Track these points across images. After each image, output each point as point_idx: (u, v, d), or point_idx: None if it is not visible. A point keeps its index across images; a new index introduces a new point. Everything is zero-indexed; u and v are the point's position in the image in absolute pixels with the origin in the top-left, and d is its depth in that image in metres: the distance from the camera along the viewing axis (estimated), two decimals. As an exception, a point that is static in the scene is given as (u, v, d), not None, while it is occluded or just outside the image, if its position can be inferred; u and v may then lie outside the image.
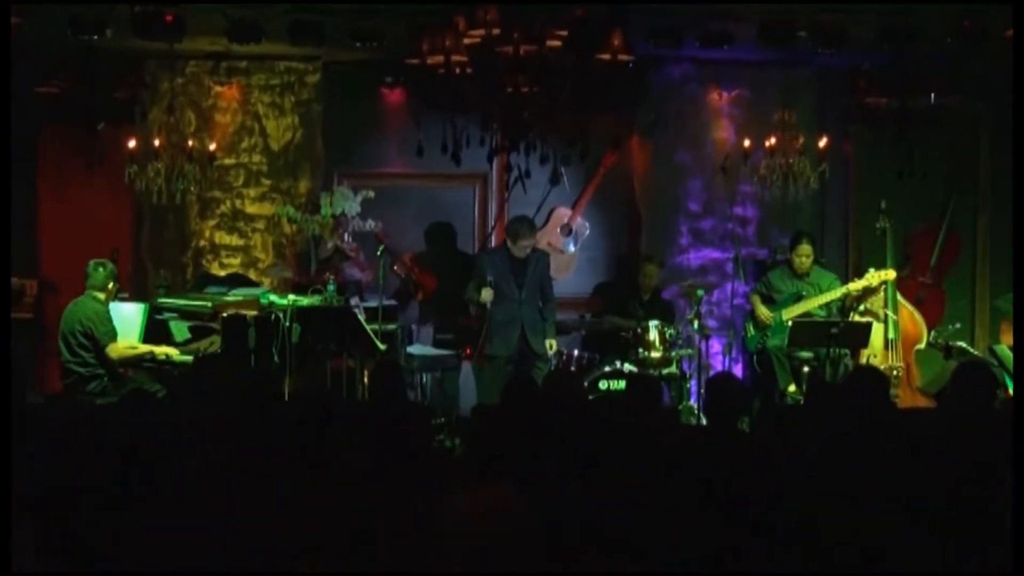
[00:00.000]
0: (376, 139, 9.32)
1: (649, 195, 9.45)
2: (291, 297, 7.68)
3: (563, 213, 9.54)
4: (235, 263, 8.98)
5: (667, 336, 8.39)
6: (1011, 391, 6.78)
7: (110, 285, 7.34)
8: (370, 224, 8.73)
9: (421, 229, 9.41)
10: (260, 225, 9.02)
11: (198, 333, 7.63)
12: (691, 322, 8.38)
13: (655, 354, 8.35)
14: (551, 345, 8.00)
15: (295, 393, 6.87)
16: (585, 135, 9.06)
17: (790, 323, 8.11)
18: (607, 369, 8.23)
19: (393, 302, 8.60)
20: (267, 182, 9.03)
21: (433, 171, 9.18)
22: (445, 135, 9.06)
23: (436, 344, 8.84)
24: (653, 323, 8.40)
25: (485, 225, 9.53)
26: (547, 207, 9.42)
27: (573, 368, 8.29)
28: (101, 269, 7.32)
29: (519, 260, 7.85)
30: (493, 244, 9.24)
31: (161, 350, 7.39)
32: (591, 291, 9.59)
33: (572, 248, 9.56)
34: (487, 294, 7.77)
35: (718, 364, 8.87)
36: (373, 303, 8.06)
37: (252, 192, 9.02)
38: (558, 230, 9.53)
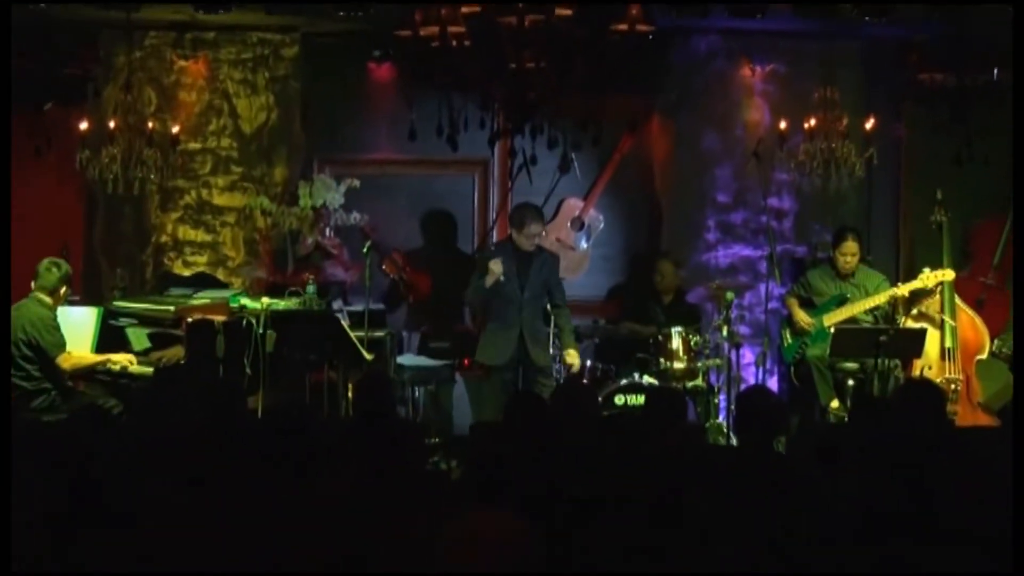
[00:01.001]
0: (362, 121, 9.33)
1: (671, 184, 9.46)
2: (265, 300, 7.68)
3: (574, 205, 9.55)
4: (201, 261, 8.99)
5: (692, 344, 8.39)
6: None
7: (62, 290, 7.30)
8: (355, 217, 8.75)
9: (413, 223, 9.43)
10: (230, 218, 9.03)
11: (159, 341, 7.62)
12: (719, 329, 8.37)
13: (678, 365, 8.35)
14: (572, 356, 7.87)
15: (270, 409, 6.89)
16: (599, 117, 9.05)
17: (832, 330, 8.10)
18: (624, 382, 8.24)
19: (381, 306, 8.60)
20: (238, 169, 9.04)
21: (427, 157, 9.20)
22: (440, 116, 9.07)
23: (429, 353, 8.84)
24: (676, 330, 8.41)
25: (486, 218, 9.55)
26: (556, 198, 9.42)
27: (585, 380, 8.28)
28: (55, 270, 7.27)
29: (525, 256, 7.81)
30: (495, 240, 9.24)
31: (117, 359, 7.39)
32: (605, 293, 9.61)
33: (584, 245, 9.57)
34: (496, 266, 7.63)
35: (750, 376, 8.86)
36: (358, 307, 8.06)
37: (221, 181, 9.03)
38: (568, 224, 9.53)
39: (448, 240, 9.49)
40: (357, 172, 8.93)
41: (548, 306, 8.02)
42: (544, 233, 7.95)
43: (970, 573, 3.49)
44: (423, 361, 8.58)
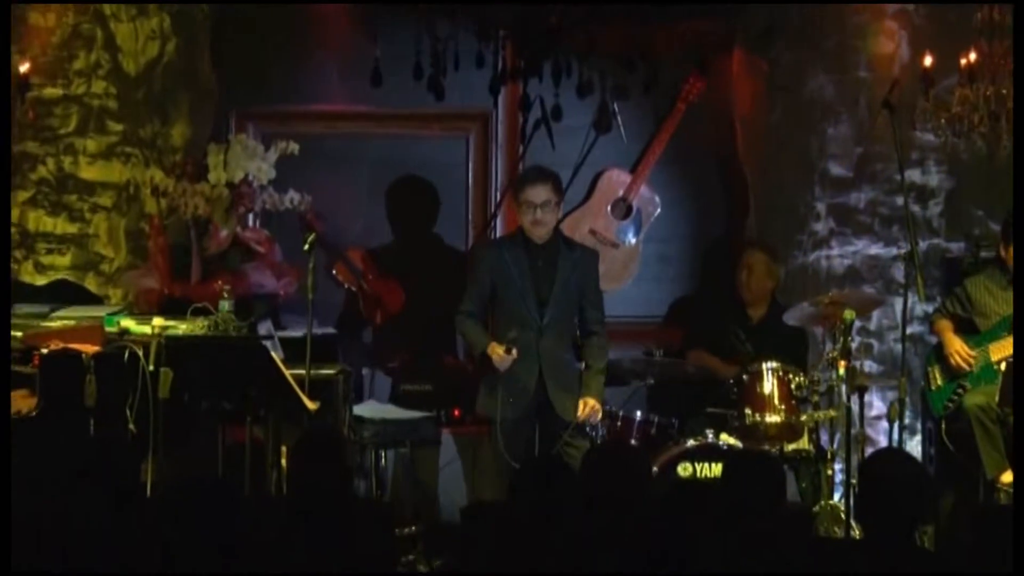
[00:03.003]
0: (302, 58, 9.34)
1: (762, 150, 9.47)
2: (158, 322, 7.65)
3: (617, 180, 9.52)
4: (62, 264, 8.97)
5: (793, 388, 8.37)
6: None
7: None
8: (292, 199, 8.70)
9: (379, 207, 9.48)
10: (105, 200, 9.01)
11: (-1, 382, 7.62)
12: (834, 364, 8.33)
13: (773, 418, 8.32)
14: (588, 406, 7.73)
15: (165, 485, 6.85)
16: (653, 51, 9.06)
17: (1003, 367, 8.07)
18: (691, 443, 8.23)
19: (331, 330, 8.61)
20: (117, 128, 9.02)
21: (399, 110, 9.21)
22: (419, 51, 9.07)
23: (403, 401, 8.82)
24: (770, 366, 8.39)
25: (486, 200, 9.57)
26: (590, 169, 9.42)
27: (634, 441, 8.27)
28: None
29: (544, 255, 7.69)
30: (500, 232, 9.26)
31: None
32: (664, 312, 9.62)
33: (631, 239, 9.55)
34: (501, 356, 7.50)
35: (881, 436, 8.83)
36: (297, 332, 8.05)
37: (92, 144, 9.01)
38: (608, 208, 9.50)
39: (430, 233, 9.52)
40: (295, 132, 8.86)
41: (578, 330, 7.95)
42: (554, 201, 7.68)
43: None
44: (393, 412, 8.54)
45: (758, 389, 8.37)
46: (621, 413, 8.47)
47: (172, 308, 8.13)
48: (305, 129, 9.09)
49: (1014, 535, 4.60)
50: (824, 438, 8.57)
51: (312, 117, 9.33)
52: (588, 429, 7.88)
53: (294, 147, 8.67)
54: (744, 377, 8.42)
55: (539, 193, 7.57)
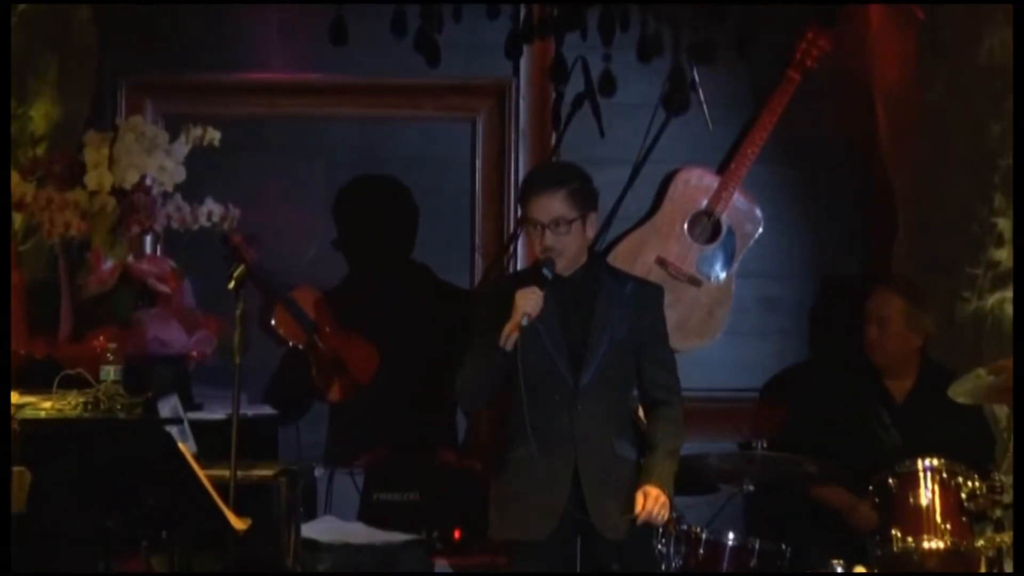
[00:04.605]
0: (226, 4, 9.35)
1: (915, 142, 9.44)
2: (11, 398, 7.59)
3: (697, 185, 9.52)
4: None
5: (963, 497, 8.33)
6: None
7: None
8: (211, 213, 8.68)
9: (342, 226, 9.53)
10: (-66, 216, 8.99)
11: None
12: (1025, 460, 8.28)
13: (933, 543, 8.27)
14: (651, 497, 7.61)
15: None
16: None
17: None
18: (811, 581, 8.20)
19: (267, 411, 8.68)
20: (-44, 107, 9.02)
21: (372, 79, 9.14)
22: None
23: (375, 516, 8.86)
24: (927, 464, 8.37)
25: (501, 213, 9.61)
26: (656, 167, 9.43)
27: (725, 573, 8.30)
28: None
29: (572, 289, 7.52)
30: (519, 264, 9.31)
31: None
32: (765, 382, 9.67)
33: (720, 273, 9.54)
34: (529, 299, 7.16)
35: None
36: (218, 413, 8.11)
37: (-82, 134, 9.01)
38: (684, 227, 9.48)
39: (417, 263, 9.58)
40: (215, 113, 8.98)
41: (639, 405, 7.85)
42: (570, 219, 7.48)
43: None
44: (362, 534, 8.59)
45: (911, 500, 8.35)
46: (705, 535, 8.45)
47: (30, 376, 8.17)
48: (231, 109, 9.23)
49: (1014, 536, 5.07)
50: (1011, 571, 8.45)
51: (241, 91, 9.41)
52: (659, 539, 7.84)
53: (214, 135, 8.74)
54: (889, 481, 8.37)
55: (546, 207, 7.39)
